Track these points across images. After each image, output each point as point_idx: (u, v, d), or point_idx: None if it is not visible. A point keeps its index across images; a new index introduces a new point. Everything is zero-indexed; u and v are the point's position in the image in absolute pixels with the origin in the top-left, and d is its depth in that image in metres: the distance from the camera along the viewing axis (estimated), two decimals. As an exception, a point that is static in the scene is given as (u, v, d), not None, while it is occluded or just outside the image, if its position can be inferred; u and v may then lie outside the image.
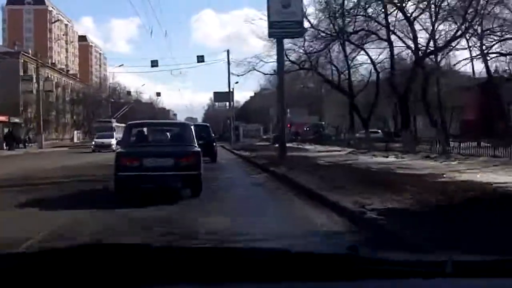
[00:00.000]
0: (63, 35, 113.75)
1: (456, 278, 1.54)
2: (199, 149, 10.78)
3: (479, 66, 35.36)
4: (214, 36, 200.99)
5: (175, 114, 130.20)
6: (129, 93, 77.57)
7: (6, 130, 46.63)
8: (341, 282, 1.54)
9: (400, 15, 30.81)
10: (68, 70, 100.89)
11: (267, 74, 39.69)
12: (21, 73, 63.73)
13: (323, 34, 33.12)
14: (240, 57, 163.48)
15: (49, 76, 70.66)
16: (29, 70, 63.58)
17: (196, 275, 1.54)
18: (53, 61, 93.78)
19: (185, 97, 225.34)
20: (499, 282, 1.51)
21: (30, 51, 68.99)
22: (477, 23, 29.29)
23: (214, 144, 22.85)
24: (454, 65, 35.88)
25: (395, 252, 1.73)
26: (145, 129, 12.58)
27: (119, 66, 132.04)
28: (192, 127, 12.00)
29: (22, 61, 66.02)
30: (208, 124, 26.46)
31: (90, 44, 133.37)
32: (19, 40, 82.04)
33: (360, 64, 38.40)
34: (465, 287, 1.49)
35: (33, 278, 1.50)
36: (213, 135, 27.10)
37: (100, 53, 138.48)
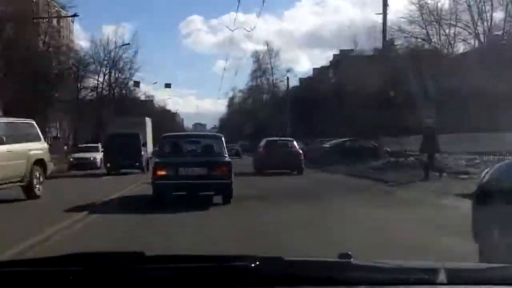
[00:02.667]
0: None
1: (448, 285, 1.54)
2: (230, 160, 12.02)
3: None
4: (206, 41, 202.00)
5: (182, 119, 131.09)
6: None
7: None
8: None
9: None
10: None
11: None
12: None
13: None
14: (235, 62, 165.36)
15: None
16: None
17: (189, 284, 1.54)
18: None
19: (191, 103, 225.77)
20: None
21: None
22: None
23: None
24: None
25: (388, 259, 1.72)
26: (179, 140, 13.35)
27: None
28: (223, 138, 12.81)
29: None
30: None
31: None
32: None
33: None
34: None
35: (27, 284, 1.51)
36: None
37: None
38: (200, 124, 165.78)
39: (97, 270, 1.54)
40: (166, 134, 14.33)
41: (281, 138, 28.67)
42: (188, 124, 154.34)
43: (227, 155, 12.03)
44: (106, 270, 1.55)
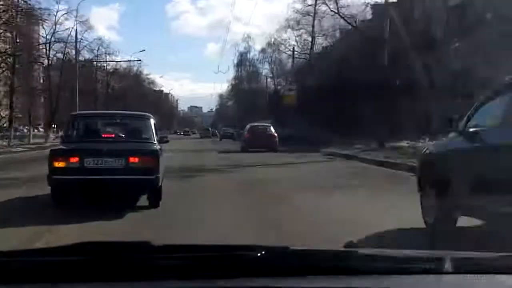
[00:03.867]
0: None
1: (454, 274, 1.55)
2: (158, 147, 8.86)
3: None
4: (195, 23, 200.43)
5: (177, 100, 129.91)
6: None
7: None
8: (339, 278, 1.55)
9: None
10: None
11: None
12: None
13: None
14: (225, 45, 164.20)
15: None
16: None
17: (195, 272, 1.55)
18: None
19: (186, 87, 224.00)
20: (497, 279, 1.52)
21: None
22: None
23: None
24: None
25: (393, 248, 1.73)
26: (93, 121, 10.14)
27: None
28: (152, 120, 9.72)
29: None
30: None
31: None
32: None
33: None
34: (464, 284, 1.50)
35: (36, 273, 1.51)
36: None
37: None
38: (195, 106, 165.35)
39: (105, 260, 1.55)
40: (76, 112, 11.51)
41: (261, 124, 32.83)
42: (183, 107, 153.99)
43: (155, 141, 9.12)
44: (114, 259, 1.56)
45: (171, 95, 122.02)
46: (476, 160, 5.68)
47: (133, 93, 60.18)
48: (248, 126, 31.14)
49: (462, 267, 1.57)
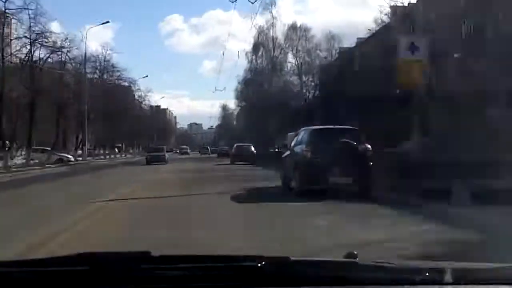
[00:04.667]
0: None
1: (455, 285, 1.55)
2: None
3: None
4: (190, 42, 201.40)
5: (175, 117, 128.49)
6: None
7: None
8: None
9: None
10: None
11: None
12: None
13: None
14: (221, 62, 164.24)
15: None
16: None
17: (196, 283, 1.55)
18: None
19: (184, 104, 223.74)
20: None
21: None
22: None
23: None
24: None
25: (394, 259, 1.73)
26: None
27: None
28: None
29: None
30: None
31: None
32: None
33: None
34: None
35: (34, 284, 1.52)
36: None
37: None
38: (195, 123, 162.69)
39: (103, 270, 1.55)
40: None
41: (244, 144, 42.80)
42: (183, 124, 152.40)
43: None
44: (113, 270, 1.55)
45: (169, 111, 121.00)
46: (289, 159, 14.73)
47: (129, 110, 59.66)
48: (234, 146, 42.66)
49: (462, 278, 1.57)
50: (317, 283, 1.57)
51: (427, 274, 1.59)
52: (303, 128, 15.04)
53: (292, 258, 1.66)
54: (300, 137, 14.30)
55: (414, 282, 1.57)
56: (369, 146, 12.58)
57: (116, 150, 65.33)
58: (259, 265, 1.58)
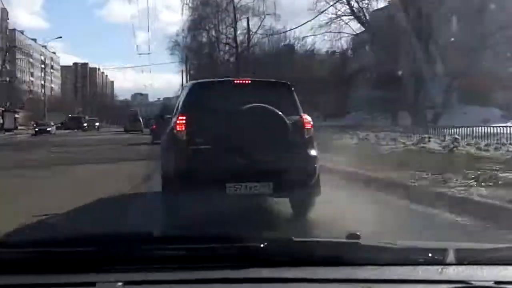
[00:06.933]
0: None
1: (457, 265, 1.57)
2: None
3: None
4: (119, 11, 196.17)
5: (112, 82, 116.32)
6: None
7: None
8: (343, 269, 1.56)
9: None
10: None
11: None
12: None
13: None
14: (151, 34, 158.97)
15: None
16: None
17: (198, 263, 1.55)
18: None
19: (129, 77, 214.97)
20: (500, 270, 1.56)
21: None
22: None
23: None
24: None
25: (396, 239, 1.75)
26: None
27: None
28: None
29: None
30: None
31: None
32: None
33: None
34: (467, 275, 1.53)
35: (34, 264, 1.51)
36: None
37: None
38: (140, 94, 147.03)
39: (107, 251, 1.54)
40: None
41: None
42: (127, 95, 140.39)
43: None
44: (116, 251, 1.54)
45: (102, 73, 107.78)
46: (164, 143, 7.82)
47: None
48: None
49: (465, 258, 1.58)
50: (319, 264, 1.58)
51: (430, 254, 1.61)
52: (186, 84, 9.50)
53: (295, 239, 1.66)
54: (180, 100, 7.53)
55: (417, 262, 1.58)
56: (308, 118, 6.54)
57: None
58: (261, 245, 1.59)
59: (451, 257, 1.58)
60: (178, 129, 6.24)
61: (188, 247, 1.58)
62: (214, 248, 1.58)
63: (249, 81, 7.01)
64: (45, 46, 78.23)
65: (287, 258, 1.58)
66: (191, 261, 1.55)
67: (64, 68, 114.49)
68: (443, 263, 1.58)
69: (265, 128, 5.98)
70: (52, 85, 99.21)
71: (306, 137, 6.40)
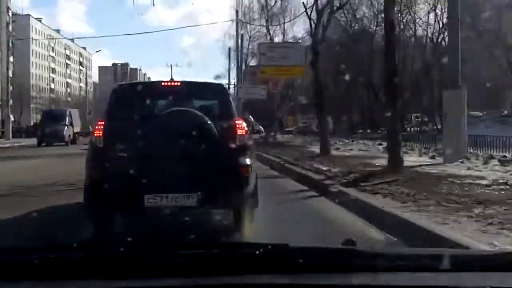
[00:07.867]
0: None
1: (453, 272, 1.57)
2: None
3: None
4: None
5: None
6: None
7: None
8: (339, 276, 1.56)
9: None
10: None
11: None
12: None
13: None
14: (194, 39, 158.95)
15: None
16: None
17: (195, 270, 1.55)
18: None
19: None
20: (496, 276, 1.55)
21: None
22: None
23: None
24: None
25: (392, 246, 1.75)
26: None
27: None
28: None
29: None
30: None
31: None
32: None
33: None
34: (462, 281, 1.52)
35: (36, 271, 1.51)
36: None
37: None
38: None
39: (102, 258, 1.54)
40: None
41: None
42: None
43: None
44: (113, 259, 1.54)
45: (142, 72, 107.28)
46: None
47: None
48: None
49: (461, 265, 1.58)
50: (316, 270, 1.57)
51: (425, 261, 1.61)
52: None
53: (291, 245, 1.66)
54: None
55: (412, 268, 1.58)
56: (242, 124, 5.96)
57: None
58: (257, 252, 1.59)
59: (446, 263, 1.58)
60: (95, 135, 5.85)
61: (184, 253, 1.59)
62: (210, 255, 1.59)
63: (179, 83, 6.49)
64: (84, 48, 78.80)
65: (283, 265, 1.58)
66: (187, 267, 1.55)
67: (102, 68, 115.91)
68: (438, 269, 1.57)
69: (188, 134, 5.44)
70: (89, 87, 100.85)
71: (238, 144, 5.75)
